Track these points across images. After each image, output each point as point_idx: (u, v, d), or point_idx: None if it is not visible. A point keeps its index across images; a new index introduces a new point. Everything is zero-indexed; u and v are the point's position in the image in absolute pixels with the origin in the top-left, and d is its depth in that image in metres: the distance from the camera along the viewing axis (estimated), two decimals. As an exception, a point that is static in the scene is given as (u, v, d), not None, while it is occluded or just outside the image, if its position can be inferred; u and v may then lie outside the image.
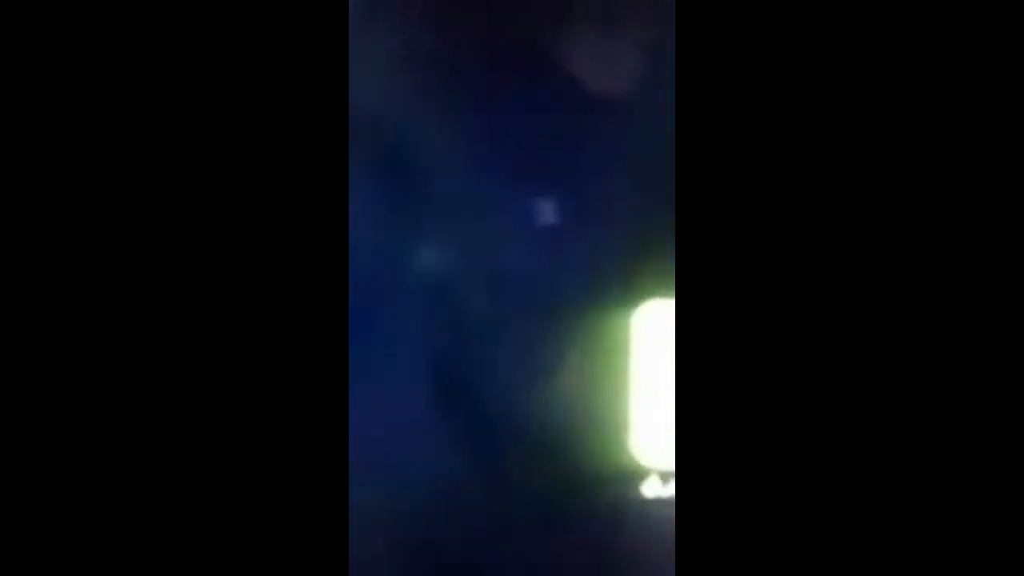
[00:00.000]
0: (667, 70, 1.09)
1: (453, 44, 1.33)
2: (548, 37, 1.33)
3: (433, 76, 1.33)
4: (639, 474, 1.35)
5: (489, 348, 1.34)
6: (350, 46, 1.01)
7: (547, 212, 1.34)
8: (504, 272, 1.34)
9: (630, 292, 1.34)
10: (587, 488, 1.33)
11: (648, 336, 1.34)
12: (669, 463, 1.32)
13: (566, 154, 1.35)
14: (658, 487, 1.34)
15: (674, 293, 1.03)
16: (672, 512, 1.02)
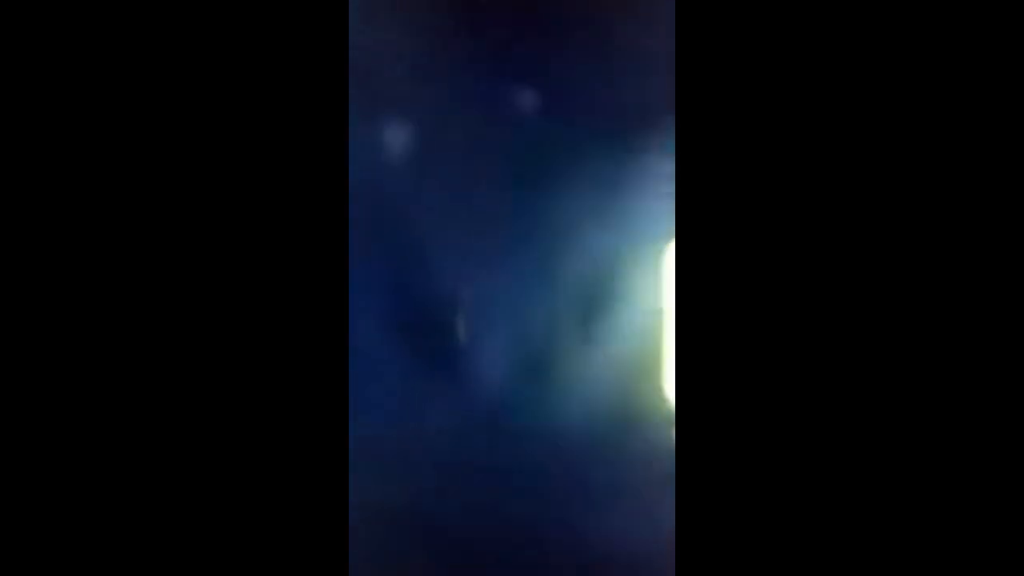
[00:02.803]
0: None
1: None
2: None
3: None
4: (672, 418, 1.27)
5: (508, 289, 1.33)
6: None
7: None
8: (528, 209, 1.33)
9: (661, 227, 1.30)
10: (617, 432, 1.31)
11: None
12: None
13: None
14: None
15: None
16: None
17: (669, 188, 1.16)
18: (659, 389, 1.28)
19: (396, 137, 1.27)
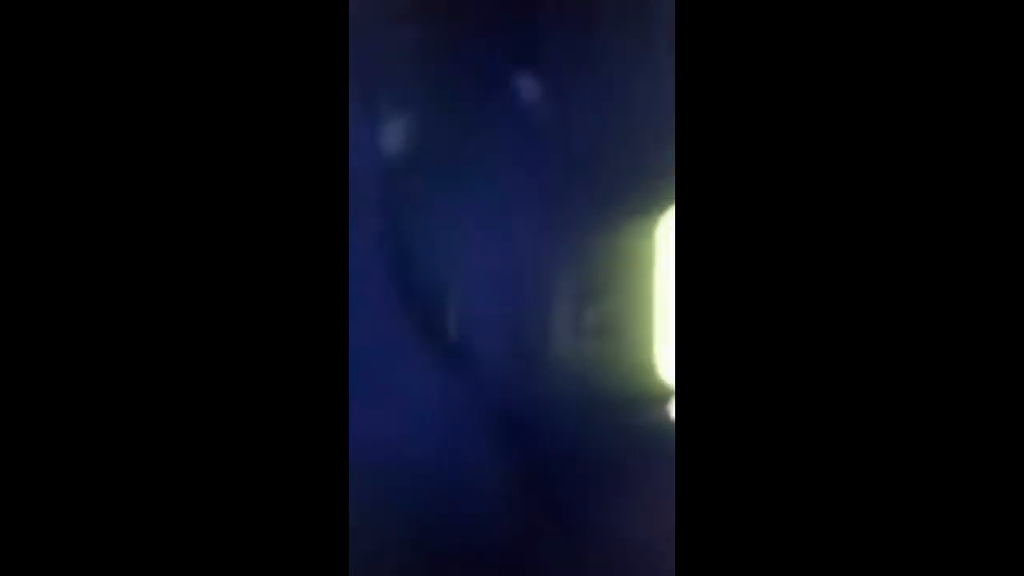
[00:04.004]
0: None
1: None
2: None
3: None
4: (665, 396, 1.26)
5: (497, 264, 1.28)
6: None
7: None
8: (508, 178, 1.27)
9: (653, 194, 1.26)
10: (609, 411, 1.27)
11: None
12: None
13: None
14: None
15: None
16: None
17: (669, 168, 1.15)
18: (658, 374, 1.28)
19: (393, 124, 1.27)
